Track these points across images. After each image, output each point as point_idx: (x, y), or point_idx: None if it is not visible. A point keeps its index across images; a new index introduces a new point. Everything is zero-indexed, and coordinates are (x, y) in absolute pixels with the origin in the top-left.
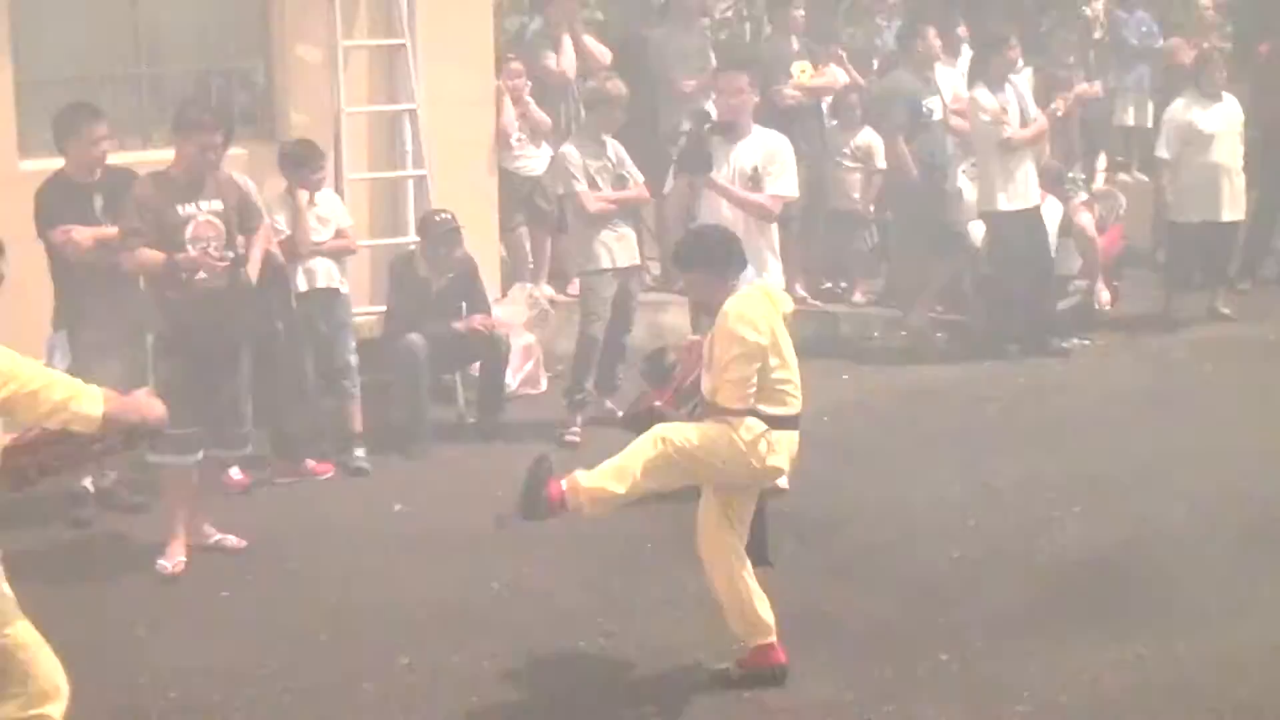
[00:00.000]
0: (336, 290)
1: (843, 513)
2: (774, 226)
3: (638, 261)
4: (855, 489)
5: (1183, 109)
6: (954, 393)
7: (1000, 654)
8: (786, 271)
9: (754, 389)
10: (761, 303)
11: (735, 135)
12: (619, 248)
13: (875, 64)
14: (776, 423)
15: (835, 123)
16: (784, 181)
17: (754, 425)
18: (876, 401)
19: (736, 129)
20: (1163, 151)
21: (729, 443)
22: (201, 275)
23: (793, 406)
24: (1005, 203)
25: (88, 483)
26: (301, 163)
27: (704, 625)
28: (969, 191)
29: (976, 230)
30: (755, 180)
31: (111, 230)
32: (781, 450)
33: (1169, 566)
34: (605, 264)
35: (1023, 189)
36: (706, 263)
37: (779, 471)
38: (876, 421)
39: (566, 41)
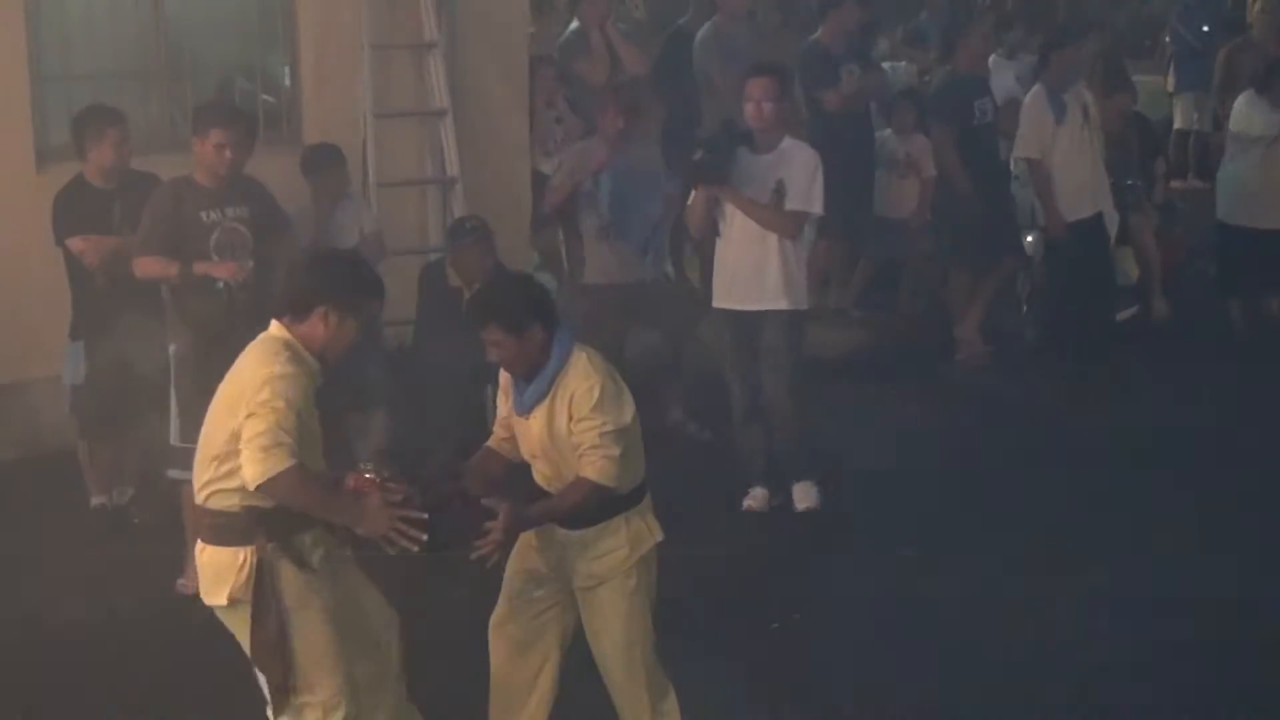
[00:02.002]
0: None
1: (891, 533)
2: (795, 244)
3: (641, 277)
4: (904, 508)
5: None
6: (1005, 407)
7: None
8: (832, 283)
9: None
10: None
11: (762, 146)
12: (615, 260)
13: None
14: (640, 494)
15: (888, 131)
16: (808, 197)
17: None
18: (924, 416)
19: (763, 139)
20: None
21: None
22: (220, 285)
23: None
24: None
25: (104, 499)
26: (321, 167)
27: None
28: (1022, 198)
29: (1036, 238)
30: (780, 194)
31: (133, 238)
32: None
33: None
34: (599, 278)
35: (1077, 198)
36: (501, 319)
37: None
38: (924, 437)
39: (599, 43)
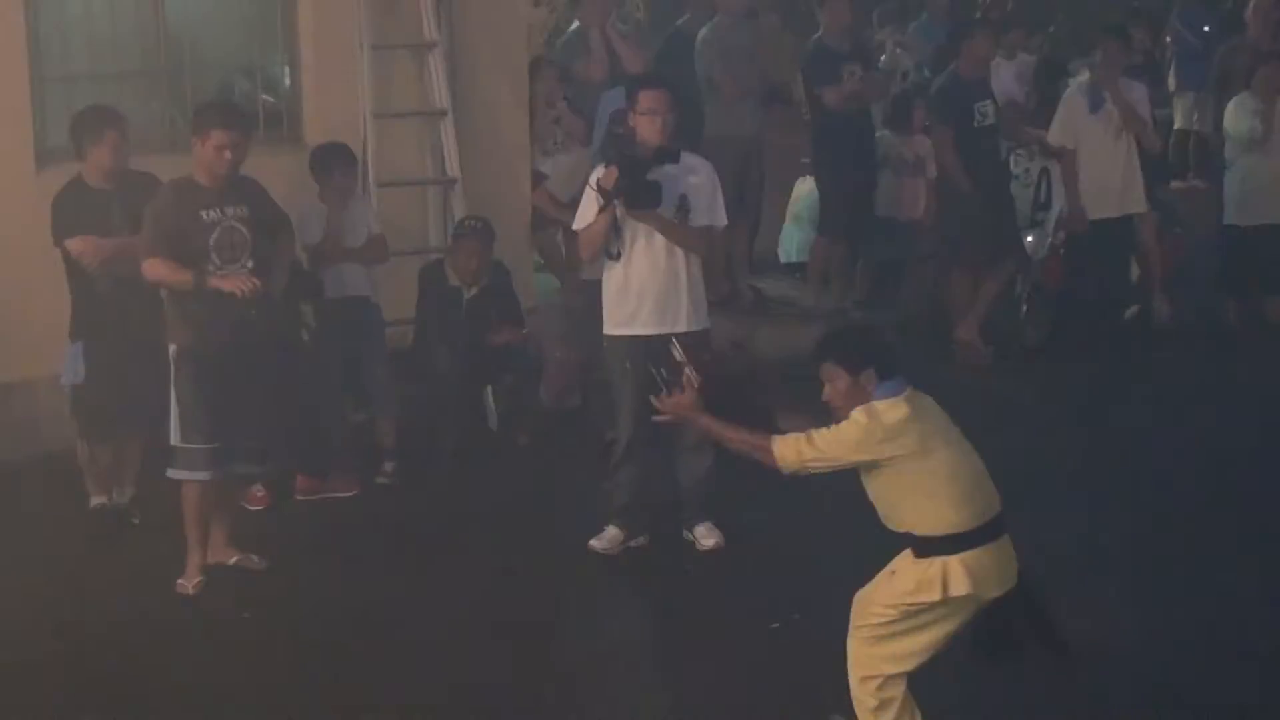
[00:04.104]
0: (367, 298)
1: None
2: (698, 262)
3: None
4: None
5: (1243, 110)
6: (1005, 408)
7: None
8: (832, 282)
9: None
10: None
11: (659, 161)
12: None
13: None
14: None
15: (888, 131)
16: (713, 211)
17: None
18: None
19: (664, 154)
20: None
21: None
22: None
23: None
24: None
25: (104, 499)
26: (334, 166)
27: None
28: (1022, 199)
29: (1036, 239)
30: (684, 210)
31: (132, 238)
32: None
33: None
34: (598, 275)
35: (1103, 197)
36: (841, 358)
37: None
38: None
39: (598, 43)
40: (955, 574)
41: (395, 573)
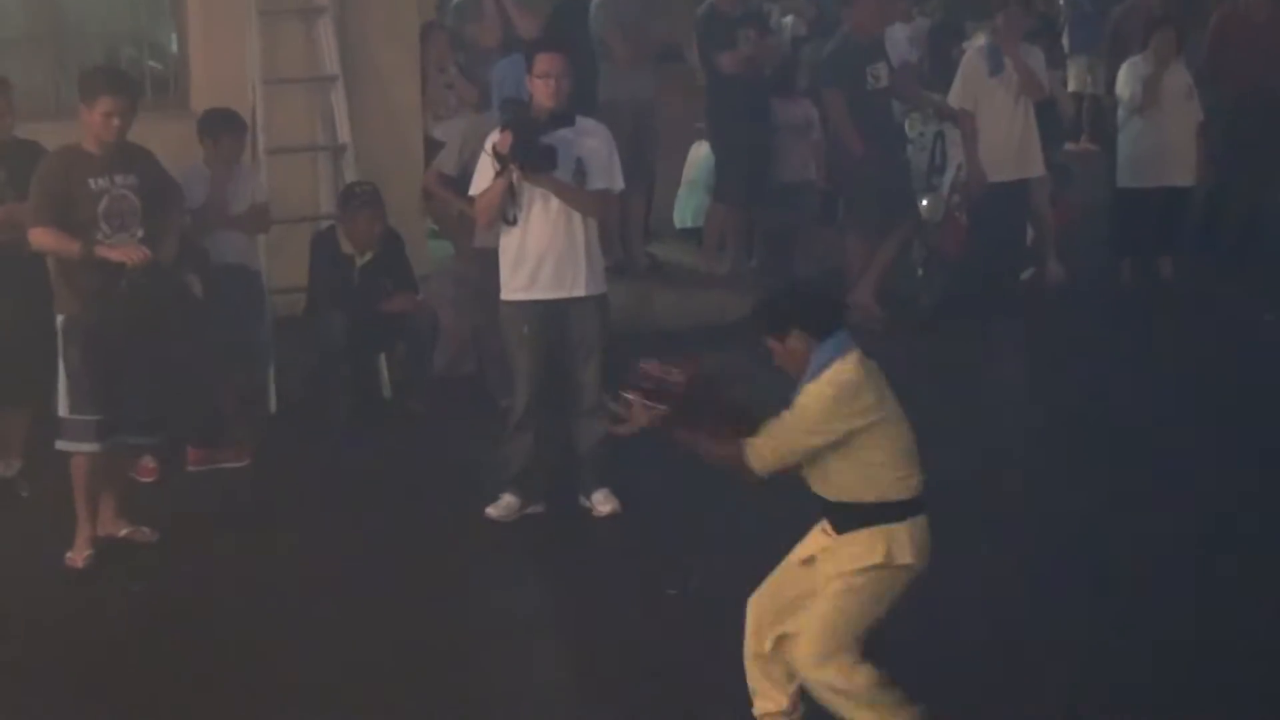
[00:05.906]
0: (246, 266)
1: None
2: (594, 226)
3: None
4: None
5: (1133, 73)
6: (900, 372)
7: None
8: (729, 247)
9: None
10: None
11: (554, 125)
12: None
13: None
14: (899, 510)
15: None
16: (611, 174)
17: None
18: None
19: (559, 118)
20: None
21: None
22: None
23: None
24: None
25: None
26: (222, 131)
27: None
28: (917, 162)
29: (931, 202)
30: (582, 174)
31: (18, 206)
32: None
33: None
34: (492, 243)
35: (1002, 159)
36: (764, 321)
37: None
38: None
39: (491, 7)
40: (901, 541)
41: (287, 544)
